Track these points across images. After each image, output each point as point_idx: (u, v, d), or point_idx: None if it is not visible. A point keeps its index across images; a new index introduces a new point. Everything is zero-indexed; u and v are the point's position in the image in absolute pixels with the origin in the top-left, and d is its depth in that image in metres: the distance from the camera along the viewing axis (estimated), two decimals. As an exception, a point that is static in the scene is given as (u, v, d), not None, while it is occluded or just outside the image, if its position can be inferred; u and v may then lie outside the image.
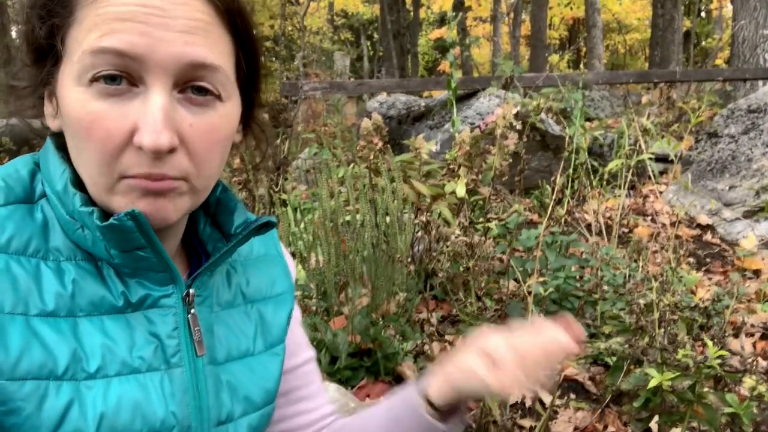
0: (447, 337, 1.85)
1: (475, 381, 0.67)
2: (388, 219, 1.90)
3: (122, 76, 0.54)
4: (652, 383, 1.17)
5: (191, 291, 0.63)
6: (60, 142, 0.61)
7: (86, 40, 0.54)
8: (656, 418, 1.27)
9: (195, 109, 0.57)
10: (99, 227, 0.56)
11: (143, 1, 0.53)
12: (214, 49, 0.57)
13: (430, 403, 0.71)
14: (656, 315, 1.29)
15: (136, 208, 0.55)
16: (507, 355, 0.66)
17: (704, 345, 1.33)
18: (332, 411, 0.84)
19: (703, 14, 17.79)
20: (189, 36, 0.54)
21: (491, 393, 0.67)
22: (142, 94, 0.54)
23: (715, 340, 1.21)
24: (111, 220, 0.55)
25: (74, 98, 0.55)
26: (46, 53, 0.57)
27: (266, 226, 0.67)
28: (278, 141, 3.51)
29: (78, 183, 0.58)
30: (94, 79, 0.53)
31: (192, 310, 0.63)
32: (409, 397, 0.72)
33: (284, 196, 2.97)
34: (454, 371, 0.69)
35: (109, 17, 0.53)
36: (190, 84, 0.56)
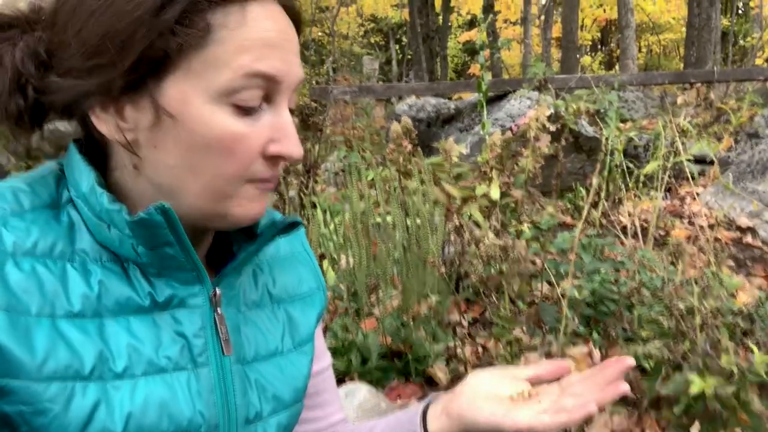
0: (479, 340, 1.83)
1: (483, 418, 0.66)
2: (418, 221, 1.89)
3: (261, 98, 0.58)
4: (695, 389, 1.13)
5: (218, 291, 0.63)
6: (84, 147, 0.61)
7: (236, 61, 0.55)
8: (697, 424, 1.23)
9: None
10: (128, 222, 0.56)
11: (278, 27, 0.57)
12: None
13: None
14: (698, 320, 1.25)
15: (253, 210, 0.60)
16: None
17: (748, 351, 1.28)
18: (342, 419, 0.84)
19: (740, 12, 17.31)
20: (298, 58, 0.61)
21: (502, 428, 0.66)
22: (268, 110, 0.58)
23: (761, 346, 1.17)
24: (140, 214, 0.56)
25: (210, 117, 0.56)
26: (151, 63, 0.54)
27: (292, 227, 0.67)
28: (308, 144, 3.54)
29: (104, 185, 0.59)
30: (235, 98, 0.56)
31: (219, 310, 0.63)
32: (413, 425, 0.72)
33: (314, 199, 2.98)
34: (459, 409, 0.69)
35: (258, 43, 0.56)
36: None
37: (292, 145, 0.59)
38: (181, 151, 0.56)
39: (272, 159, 0.59)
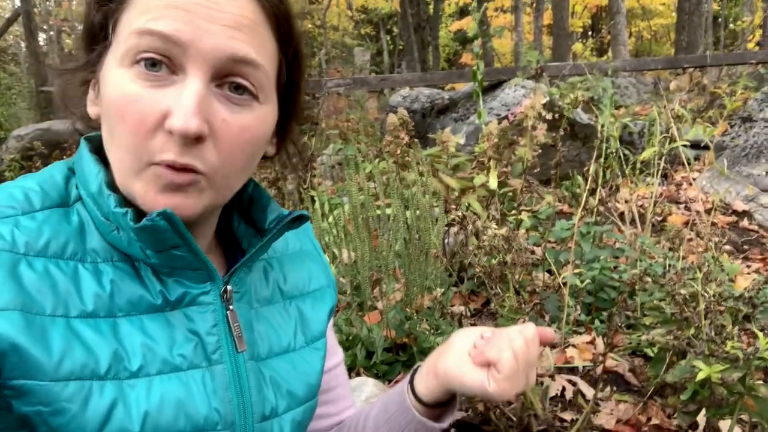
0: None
1: (470, 383, 0.67)
2: (418, 212, 1.89)
3: (162, 61, 0.55)
4: (701, 376, 1.14)
5: (229, 288, 0.63)
6: (94, 145, 0.62)
7: (135, 22, 0.55)
8: (704, 411, 1.24)
9: (232, 106, 0.57)
10: (133, 229, 0.56)
11: None
12: (259, 49, 0.58)
13: (421, 400, 0.72)
14: (701, 306, 1.26)
15: (156, 202, 0.55)
16: (506, 355, 0.66)
17: (751, 336, 1.29)
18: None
19: (730, -4, 17.30)
20: (234, 31, 0.55)
21: (488, 397, 0.67)
22: (180, 82, 0.55)
23: (765, 332, 1.18)
24: (144, 221, 0.55)
25: (113, 79, 0.56)
26: (98, 38, 0.59)
27: (299, 220, 0.67)
28: (305, 138, 3.53)
29: (112, 185, 0.59)
30: (135, 62, 0.55)
31: (231, 307, 0.63)
32: (401, 395, 0.73)
33: (313, 193, 2.98)
34: (445, 370, 0.70)
35: (161, 4, 0.55)
36: (229, 80, 0.57)
37: (176, 117, 0.53)
38: (104, 120, 0.58)
39: (174, 138, 0.54)
